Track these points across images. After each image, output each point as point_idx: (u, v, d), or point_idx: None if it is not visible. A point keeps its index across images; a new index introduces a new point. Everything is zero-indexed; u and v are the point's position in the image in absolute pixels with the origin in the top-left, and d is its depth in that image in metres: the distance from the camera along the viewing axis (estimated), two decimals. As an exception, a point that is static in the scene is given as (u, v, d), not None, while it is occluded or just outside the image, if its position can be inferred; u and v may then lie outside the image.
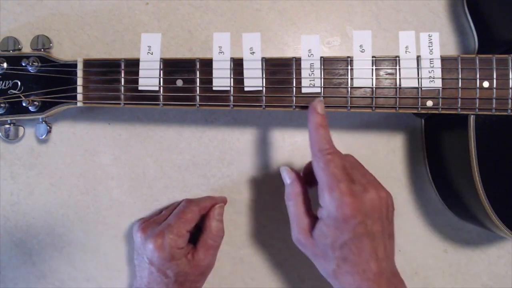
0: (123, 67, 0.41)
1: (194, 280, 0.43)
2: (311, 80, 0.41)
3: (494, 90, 0.40)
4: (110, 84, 0.41)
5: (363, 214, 0.35)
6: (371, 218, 0.36)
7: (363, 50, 0.41)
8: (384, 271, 0.36)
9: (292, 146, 0.49)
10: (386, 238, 0.37)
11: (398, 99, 0.41)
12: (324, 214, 0.36)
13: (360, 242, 0.35)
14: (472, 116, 0.40)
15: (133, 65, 0.42)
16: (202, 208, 0.44)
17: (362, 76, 0.41)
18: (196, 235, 0.44)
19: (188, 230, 0.42)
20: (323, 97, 0.41)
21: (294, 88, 0.41)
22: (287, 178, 0.40)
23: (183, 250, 0.41)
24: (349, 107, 0.41)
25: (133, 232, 0.44)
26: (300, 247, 0.39)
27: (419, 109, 0.41)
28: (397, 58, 0.41)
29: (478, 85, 0.41)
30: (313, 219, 0.38)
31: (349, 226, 0.35)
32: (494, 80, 0.40)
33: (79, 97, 0.42)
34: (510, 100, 0.41)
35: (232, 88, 0.41)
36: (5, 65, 0.42)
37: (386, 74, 0.41)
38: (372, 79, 0.41)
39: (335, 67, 0.41)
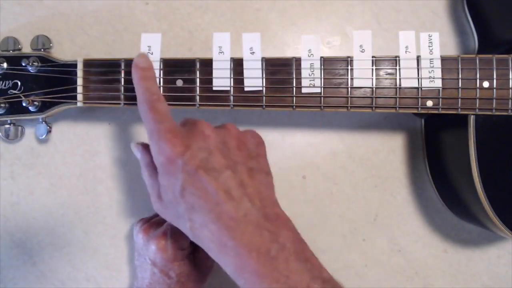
0: (123, 67, 0.41)
1: (196, 280, 0.43)
2: (311, 80, 0.41)
3: (494, 90, 0.40)
4: (110, 84, 0.41)
5: (187, 146, 0.31)
6: (203, 150, 0.32)
7: (363, 50, 0.41)
8: (249, 213, 0.30)
9: (292, 146, 0.49)
10: (243, 173, 0.32)
11: (398, 99, 0.41)
12: (157, 166, 0.33)
13: (197, 181, 0.30)
14: (472, 116, 0.40)
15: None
16: None
17: (362, 76, 0.41)
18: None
19: None
20: (323, 97, 0.41)
21: (294, 88, 0.41)
22: (137, 151, 0.38)
23: (186, 251, 0.41)
24: (349, 107, 0.41)
25: (135, 233, 0.44)
26: (163, 216, 0.35)
27: (419, 109, 0.41)
28: (397, 58, 0.41)
29: (478, 85, 0.41)
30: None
31: (177, 165, 0.31)
32: (494, 80, 0.40)
33: (79, 97, 0.42)
34: (510, 100, 0.41)
35: (232, 88, 0.41)
36: (5, 65, 0.42)
37: (386, 74, 0.41)
38: (372, 79, 0.41)
39: (335, 67, 0.41)
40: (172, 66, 0.41)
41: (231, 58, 0.41)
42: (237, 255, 0.29)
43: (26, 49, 0.43)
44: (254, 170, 0.33)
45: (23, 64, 0.41)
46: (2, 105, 0.42)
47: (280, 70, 0.41)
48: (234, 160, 0.33)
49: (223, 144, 0.33)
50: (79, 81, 0.42)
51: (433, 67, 0.41)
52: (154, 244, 0.40)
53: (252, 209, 0.30)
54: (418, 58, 0.41)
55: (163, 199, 0.34)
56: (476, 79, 0.41)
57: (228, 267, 0.31)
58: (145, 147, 0.38)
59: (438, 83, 0.41)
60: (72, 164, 0.48)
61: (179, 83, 0.41)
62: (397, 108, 0.41)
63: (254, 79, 0.41)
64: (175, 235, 0.41)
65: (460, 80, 0.41)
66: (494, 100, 0.40)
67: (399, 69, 0.41)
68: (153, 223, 0.43)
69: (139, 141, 0.38)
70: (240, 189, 0.31)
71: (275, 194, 0.34)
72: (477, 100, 0.40)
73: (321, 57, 0.41)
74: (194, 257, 0.42)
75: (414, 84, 0.41)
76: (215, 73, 0.41)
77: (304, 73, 0.41)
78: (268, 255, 0.29)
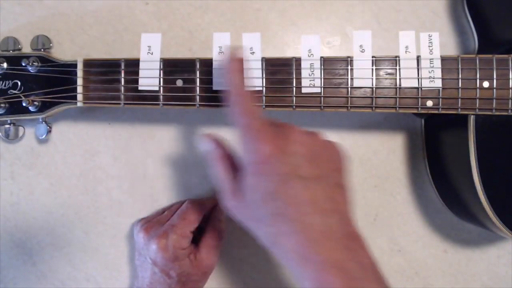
0: (123, 67, 0.41)
1: (197, 280, 0.43)
2: (311, 80, 0.41)
3: (494, 90, 0.40)
4: (110, 84, 0.41)
5: (283, 151, 0.30)
6: (295, 157, 0.31)
7: (363, 50, 0.41)
8: (335, 229, 0.29)
9: (292, 146, 0.49)
10: (331, 187, 0.31)
11: (398, 99, 0.41)
12: (244, 163, 0.32)
13: (290, 187, 0.29)
14: (472, 116, 0.40)
15: (133, 65, 0.41)
16: (205, 209, 0.44)
17: (362, 76, 0.41)
18: (197, 235, 0.44)
19: (191, 230, 0.42)
20: (323, 97, 0.41)
21: (294, 88, 0.41)
22: (205, 144, 0.36)
23: (186, 250, 0.41)
24: (349, 107, 0.41)
25: (135, 233, 0.44)
26: (234, 216, 0.34)
27: (419, 109, 0.41)
28: (397, 58, 0.41)
29: (478, 85, 0.41)
30: (240, 181, 0.33)
31: (269, 167, 0.30)
32: (494, 80, 0.40)
33: (79, 97, 0.42)
34: (510, 100, 0.41)
35: (232, 88, 0.41)
36: (5, 65, 0.42)
37: (386, 74, 0.41)
38: (372, 79, 0.41)
39: (335, 67, 0.41)
40: (172, 66, 0.41)
41: (231, 58, 0.41)
42: (320, 271, 0.28)
43: (26, 49, 0.43)
44: (340, 185, 0.32)
45: (23, 64, 0.41)
46: (2, 105, 0.42)
47: (280, 70, 0.41)
48: (323, 171, 0.31)
49: (313, 152, 0.32)
50: (79, 81, 0.42)
51: (433, 67, 0.41)
52: (155, 244, 0.40)
53: (338, 225, 0.29)
54: (418, 58, 0.41)
55: (244, 198, 0.32)
56: (476, 79, 0.41)
57: (306, 281, 0.29)
58: (216, 139, 0.36)
59: (438, 83, 0.41)
60: (72, 164, 0.48)
61: (179, 83, 0.41)
62: (397, 108, 0.41)
63: (254, 79, 0.41)
64: (176, 234, 0.41)
65: (460, 80, 0.41)
66: (494, 100, 0.40)
67: (399, 69, 0.41)
68: (154, 222, 0.43)
69: (207, 133, 0.37)
70: (328, 203, 0.30)
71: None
72: (477, 100, 0.40)
73: (321, 57, 0.41)
74: (195, 256, 0.42)
75: (414, 84, 0.41)
76: (215, 73, 0.41)
77: (304, 73, 0.41)
78: (349, 274, 0.28)
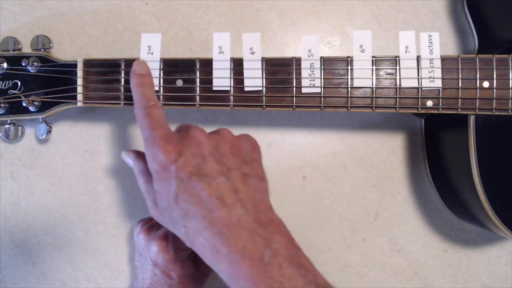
0: (123, 67, 0.41)
1: (197, 281, 0.43)
2: (311, 80, 0.41)
3: (494, 90, 0.40)
4: (110, 84, 0.41)
5: (181, 154, 0.31)
6: (197, 156, 0.32)
7: (363, 50, 0.41)
8: (242, 219, 0.30)
9: (292, 146, 0.49)
10: (238, 179, 0.32)
11: (398, 99, 0.41)
12: (151, 172, 0.33)
13: (190, 187, 0.30)
14: (472, 116, 0.40)
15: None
16: None
17: (362, 76, 0.41)
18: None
19: None
20: (323, 97, 0.41)
21: (294, 88, 0.41)
22: (128, 159, 0.38)
23: (187, 251, 0.41)
24: (349, 107, 0.41)
25: (135, 234, 0.44)
26: (160, 223, 0.35)
27: (419, 109, 0.41)
28: (397, 58, 0.41)
29: (478, 85, 0.41)
30: None
31: (170, 171, 0.31)
32: (494, 80, 0.40)
33: (79, 97, 0.42)
34: (510, 100, 0.41)
35: (232, 88, 0.41)
36: (5, 65, 0.42)
37: (386, 74, 0.41)
38: (372, 79, 0.41)
39: (335, 67, 0.41)
40: (172, 66, 0.41)
41: (231, 58, 0.41)
42: (231, 262, 0.29)
43: (26, 49, 0.43)
44: (248, 176, 0.33)
45: (23, 64, 0.41)
46: (2, 105, 0.42)
47: (280, 70, 0.41)
48: (227, 165, 0.32)
49: (217, 149, 0.33)
50: (79, 81, 0.42)
51: (433, 67, 0.41)
52: (156, 245, 0.40)
53: (245, 215, 0.30)
54: (418, 58, 0.41)
55: (158, 205, 0.34)
56: (476, 79, 0.41)
57: (222, 273, 0.31)
58: (137, 154, 0.38)
59: (438, 83, 0.41)
60: (72, 164, 0.48)
61: (179, 83, 0.41)
62: (397, 108, 0.41)
63: (254, 79, 0.41)
64: (177, 236, 0.41)
65: (460, 80, 0.41)
66: (494, 100, 0.40)
67: (399, 69, 0.41)
68: (155, 223, 0.43)
69: (129, 149, 0.39)
70: (233, 195, 0.31)
71: (269, 199, 0.34)
72: (477, 100, 0.40)
73: (321, 57, 0.41)
74: (195, 257, 0.42)
75: (414, 84, 0.41)
76: (215, 73, 0.41)
77: (304, 73, 0.41)
78: (262, 261, 0.29)
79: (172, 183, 0.31)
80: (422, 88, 0.41)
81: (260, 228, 0.30)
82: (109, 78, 0.41)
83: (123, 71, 0.41)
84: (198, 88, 0.41)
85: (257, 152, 0.36)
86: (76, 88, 0.42)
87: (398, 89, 0.41)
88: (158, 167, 0.32)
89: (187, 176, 0.31)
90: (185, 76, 0.41)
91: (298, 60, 0.41)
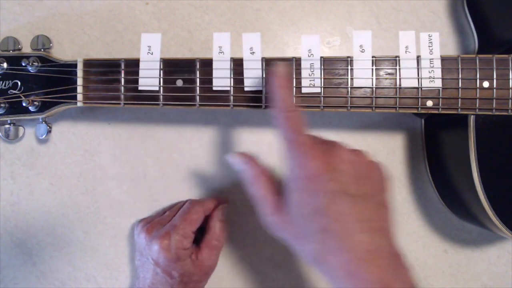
0: (123, 67, 0.41)
1: (198, 280, 0.43)
2: (311, 80, 0.41)
3: (494, 90, 0.40)
4: (110, 84, 0.41)
5: (332, 168, 0.30)
6: (344, 175, 0.31)
7: (363, 50, 0.41)
8: (381, 248, 0.30)
9: (292, 146, 0.49)
10: (376, 206, 0.31)
11: (398, 99, 0.41)
12: (290, 177, 0.32)
13: (338, 204, 0.30)
14: (472, 116, 0.40)
15: (133, 65, 0.42)
16: (206, 209, 0.44)
17: (362, 76, 0.41)
18: (198, 235, 0.44)
19: (193, 231, 0.42)
20: (323, 97, 0.41)
21: (294, 88, 0.41)
22: (240, 163, 0.36)
23: (188, 250, 0.42)
24: (349, 107, 0.41)
25: (136, 234, 0.44)
26: (276, 232, 0.34)
27: (419, 109, 0.41)
28: (397, 58, 0.41)
29: (478, 85, 0.41)
30: (284, 196, 0.33)
31: (318, 183, 0.30)
32: (494, 80, 0.40)
33: (79, 97, 0.42)
34: (510, 100, 0.41)
35: (232, 88, 0.41)
36: (5, 65, 0.42)
37: (386, 74, 0.41)
38: (372, 79, 0.41)
39: (335, 67, 0.41)
40: (172, 66, 0.41)
41: (231, 58, 0.41)
42: None
43: (26, 49, 0.43)
44: (382, 205, 0.32)
45: (23, 64, 0.41)
46: (2, 105, 0.42)
47: (280, 70, 0.41)
48: (368, 190, 0.32)
49: (359, 171, 0.32)
50: (79, 81, 0.42)
51: (433, 67, 0.41)
52: (157, 244, 0.40)
53: (384, 244, 0.30)
54: (418, 58, 0.41)
55: (289, 213, 0.32)
56: (476, 79, 0.41)
57: None
58: (249, 158, 0.36)
59: (438, 83, 0.41)
60: (72, 164, 0.48)
61: (179, 83, 0.41)
62: (397, 108, 0.41)
63: (254, 79, 0.41)
64: (178, 235, 0.41)
65: (460, 80, 0.41)
66: (494, 100, 0.40)
67: (399, 69, 0.41)
68: (156, 223, 0.43)
69: (236, 152, 0.37)
70: (375, 222, 0.30)
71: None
72: (477, 100, 0.40)
73: (321, 57, 0.41)
74: (196, 256, 0.42)
75: (414, 84, 0.41)
76: (215, 73, 0.41)
77: (304, 73, 0.41)
78: None
79: (318, 195, 0.30)
80: (422, 88, 0.41)
81: (394, 260, 0.30)
82: (109, 78, 0.41)
83: (123, 71, 0.41)
84: (198, 88, 0.41)
85: (388, 182, 0.34)
86: (76, 88, 0.42)
87: (398, 89, 0.41)
88: (306, 175, 0.31)
89: (335, 192, 0.30)
90: (185, 76, 0.41)
91: (298, 60, 0.41)
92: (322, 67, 0.41)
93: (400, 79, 0.41)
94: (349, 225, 0.29)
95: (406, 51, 0.41)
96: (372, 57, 0.41)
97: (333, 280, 0.31)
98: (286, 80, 0.35)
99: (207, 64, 0.41)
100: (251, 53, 0.41)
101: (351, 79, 0.41)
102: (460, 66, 0.41)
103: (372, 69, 0.41)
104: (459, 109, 0.41)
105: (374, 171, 0.33)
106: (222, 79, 0.41)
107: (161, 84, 0.41)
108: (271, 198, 0.34)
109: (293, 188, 0.32)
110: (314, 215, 0.30)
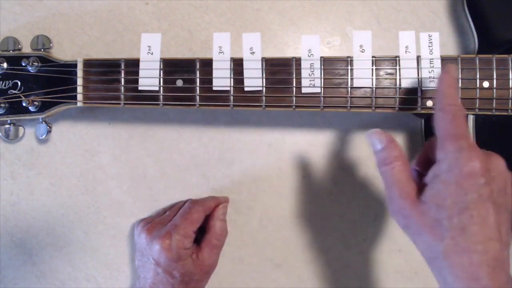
0: (123, 67, 0.41)
1: (199, 279, 0.43)
2: (311, 80, 0.41)
3: (494, 90, 0.40)
4: (110, 84, 0.41)
5: (489, 174, 0.31)
6: (496, 184, 0.31)
7: (363, 50, 0.41)
8: (506, 261, 0.30)
9: (292, 146, 0.49)
10: (509, 221, 0.32)
11: (398, 99, 0.41)
12: (443, 169, 0.32)
13: (484, 209, 0.30)
14: (472, 116, 0.40)
15: (133, 65, 0.42)
16: (207, 209, 0.44)
17: (362, 76, 0.41)
18: (198, 235, 0.44)
19: (194, 230, 0.42)
20: (323, 97, 0.41)
21: (294, 88, 0.41)
22: (379, 143, 0.35)
23: (189, 250, 0.42)
24: (349, 107, 0.41)
25: (136, 234, 0.44)
26: (400, 218, 0.34)
27: (419, 109, 0.41)
28: (397, 58, 0.41)
29: (478, 85, 0.41)
30: (418, 185, 0.34)
31: (474, 184, 0.31)
32: (494, 80, 0.40)
33: (79, 97, 0.42)
34: (510, 100, 0.41)
35: (232, 88, 0.41)
36: (5, 65, 0.42)
37: (386, 74, 0.41)
38: (372, 79, 0.41)
39: (335, 67, 0.41)
40: (172, 66, 0.41)
41: (231, 58, 0.41)
42: None
43: (26, 49, 0.43)
44: (510, 221, 0.33)
45: (23, 64, 0.41)
46: (2, 105, 0.42)
47: (280, 70, 0.41)
48: (507, 204, 0.32)
49: (505, 183, 0.33)
50: (79, 81, 0.42)
51: (433, 67, 0.41)
52: (159, 244, 0.40)
53: (507, 259, 0.31)
54: (418, 58, 0.41)
55: (423, 202, 0.32)
56: (476, 79, 0.41)
57: None
58: (391, 139, 0.35)
59: (438, 83, 0.41)
60: (72, 164, 0.48)
61: (179, 83, 0.41)
62: (397, 108, 0.41)
63: (254, 79, 0.41)
64: (179, 234, 0.41)
65: (460, 80, 0.41)
66: (494, 100, 0.40)
67: (399, 69, 0.41)
68: (156, 223, 0.43)
69: (377, 130, 0.36)
70: (506, 235, 0.31)
71: None
72: (477, 100, 0.41)
73: (321, 57, 0.41)
74: (197, 256, 0.42)
75: (414, 84, 0.41)
76: (215, 73, 0.41)
77: (304, 73, 0.41)
78: None
79: (468, 194, 0.31)
80: (422, 88, 0.41)
81: (509, 275, 0.31)
82: (109, 78, 0.41)
83: (123, 71, 0.41)
84: (198, 88, 0.41)
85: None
86: (76, 88, 0.42)
87: (398, 89, 0.41)
88: (466, 172, 0.31)
89: (485, 196, 0.31)
90: (185, 76, 0.41)
91: (298, 60, 0.41)
92: (322, 67, 0.41)
93: (400, 79, 0.41)
94: (487, 231, 0.30)
95: (406, 51, 0.41)
96: (372, 57, 0.41)
97: (448, 276, 0.31)
98: (456, 81, 0.36)
99: (207, 64, 0.41)
100: (251, 53, 0.41)
101: (351, 79, 0.41)
102: (460, 66, 0.41)
103: (372, 69, 0.41)
104: (459, 109, 0.41)
105: (510, 187, 0.34)
106: (222, 79, 0.41)
107: (161, 84, 0.41)
108: (407, 183, 0.34)
109: (443, 180, 0.32)
110: (457, 211, 0.31)
